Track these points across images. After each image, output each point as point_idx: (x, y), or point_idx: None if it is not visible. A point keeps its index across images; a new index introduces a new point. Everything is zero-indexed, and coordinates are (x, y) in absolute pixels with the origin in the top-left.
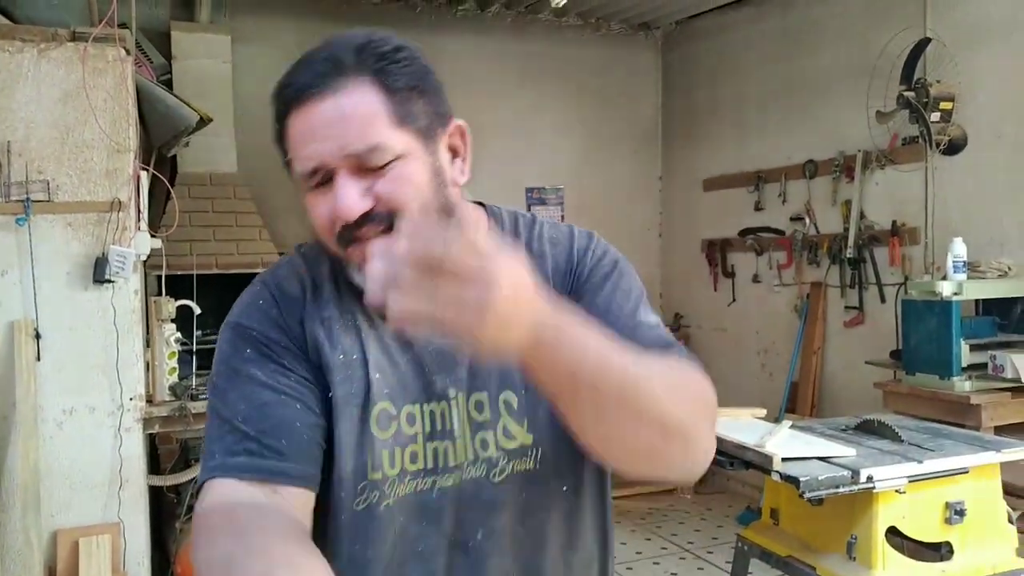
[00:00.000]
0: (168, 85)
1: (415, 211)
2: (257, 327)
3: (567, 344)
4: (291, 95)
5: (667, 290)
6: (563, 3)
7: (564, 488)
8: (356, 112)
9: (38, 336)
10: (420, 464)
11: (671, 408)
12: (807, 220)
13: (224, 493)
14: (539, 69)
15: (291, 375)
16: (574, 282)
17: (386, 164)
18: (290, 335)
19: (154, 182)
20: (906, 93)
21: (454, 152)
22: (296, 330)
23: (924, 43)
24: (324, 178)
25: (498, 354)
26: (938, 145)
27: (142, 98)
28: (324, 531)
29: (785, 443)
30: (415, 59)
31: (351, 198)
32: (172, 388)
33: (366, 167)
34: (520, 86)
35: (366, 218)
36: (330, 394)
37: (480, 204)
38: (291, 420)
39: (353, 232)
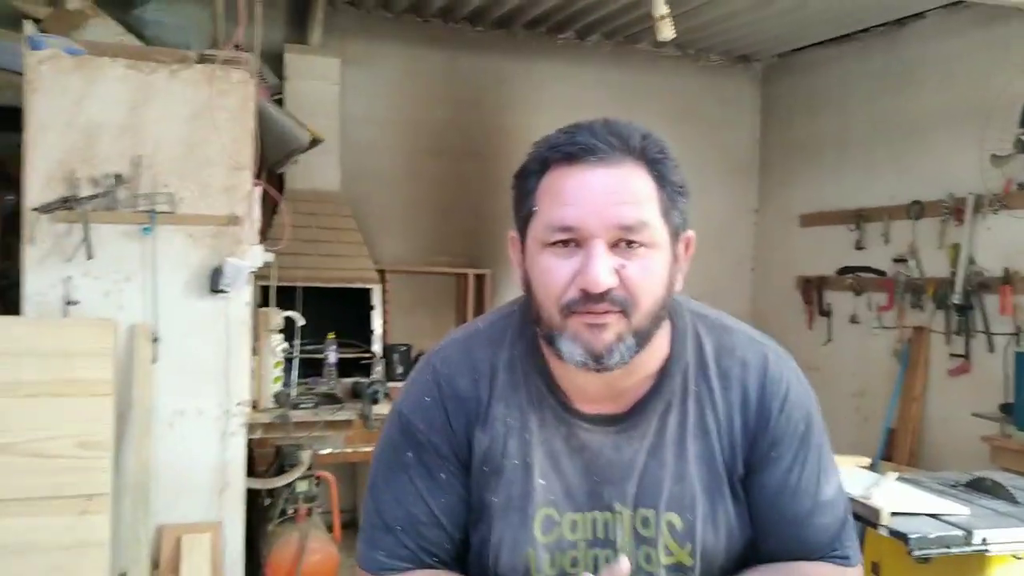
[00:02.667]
0: (279, 104)
1: (647, 303)
2: (422, 428)
3: None
4: (572, 151)
5: (758, 326)
6: (671, 37)
7: None
8: (636, 188)
9: (156, 340)
10: (580, 569)
11: None
12: (911, 262)
13: None
14: (635, 98)
15: (447, 492)
16: (764, 446)
17: (639, 246)
18: (453, 442)
19: (263, 196)
20: None
21: (675, 259)
22: (460, 435)
23: None
24: (572, 239)
25: None
26: None
27: (261, 118)
28: None
29: (893, 496)
30: (679, 163)
31: (606, 271)
32: (276, 396)
33: (623, 241)
34: (616, 114)
35: (605, 295)
36: (493, 497)
37: None
38: (440, 540)
39: (587, 304)
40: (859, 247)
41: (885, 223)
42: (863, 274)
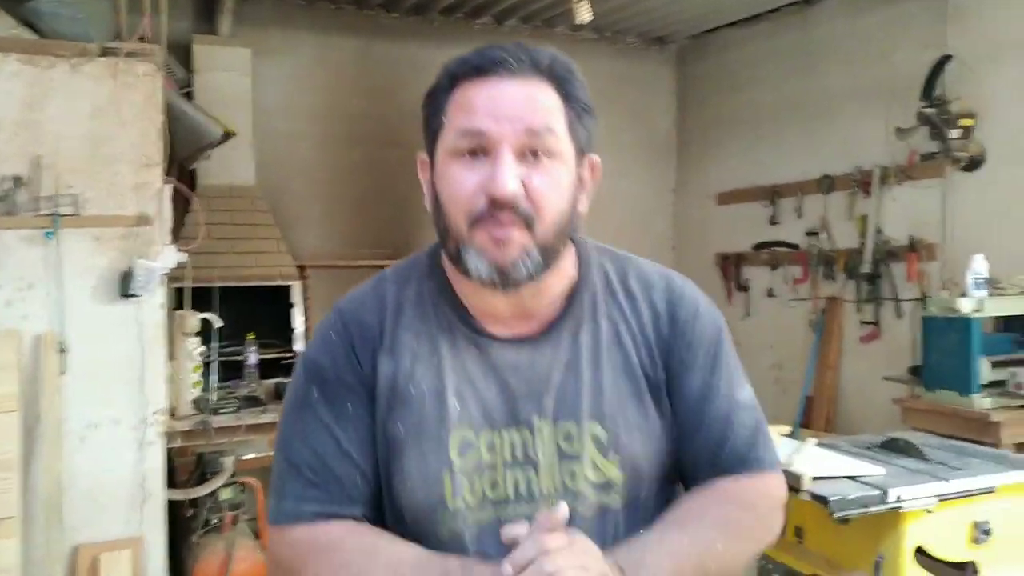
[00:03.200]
0: (189, 97)
1: (550, 216)
2: (327, 364)
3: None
4: (481, 63)
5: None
6: (589, 19)
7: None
8: (542, 99)
9: (63, 350)
10: (501, 492)
11: (745, 558)
12: (823, 234)
13: (310, 535)
14: None
15: (354, 423)
16: (678, 352)
17: (546, 157)
18: (360, 372)
19: (174, 194)
20: (926, 110)
21: (581, 182)
22: (367, 365)
23: (945, 60)
24: (479, 149)
25: None
26: (957, 161)
27: (169, 112)
28: None
29: (813, 462)
30: (587, 88)
31: (512, 177)
32: (195, 402)
33: (530, 152)
34: None
35: (510, 204)
36: (400, 425)
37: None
38: (351, 475)
39: (493, 213)
40: (773, 222)
41: (798, 198)
42: (778, 248)
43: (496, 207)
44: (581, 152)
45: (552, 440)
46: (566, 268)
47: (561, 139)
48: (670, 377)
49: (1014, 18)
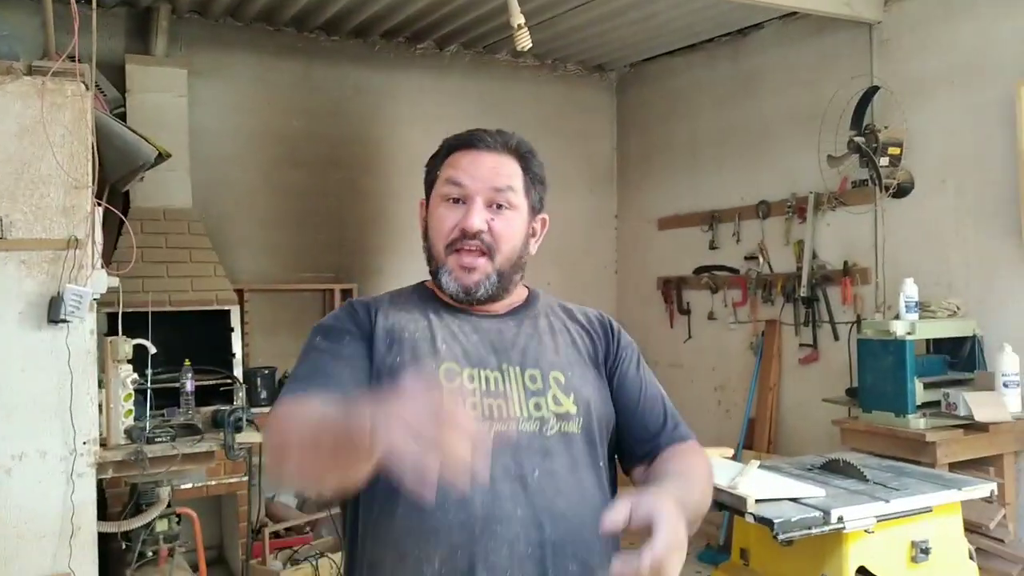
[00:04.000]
0: (122, 118)
1: (506, 249)
2: (334, 323)
3: (687, 520)
4: (468, 139)
5: (623, 327)
6: (528, 47)
7: (600, 464)
8: (507, 166)
9: None
10: (478, 412)
11: (708, 501)
12: (761, 259)
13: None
14: (497, 107)
15: (347, 348)
16: (614, 349)
17: (507, 207)
18: (360, 326)
19: (104, 216)
20: (856, 138)
21: (532, 232)
22: (367, 323)
23: (872, 91)
24: (460, 198)
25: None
26: (887, 188)
27: (99, 133)
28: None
29: (756, 484)
30: (543, 166)
31: (480, 217)
32: (128, 431)
33: (494, 203)
34: (477, 123)
35: (476, 236)
36: (398, 357)
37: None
38: (342, 374)
39: (463, 242)
40: (713, 247)
41: (736, 223)
42: (718, 272)
43: (466, 237)
44: (534, 210)
45: (520, 381)
46: (520, 290)
47: (518, 196)
48: (612, 369)
49: (933, 54)
